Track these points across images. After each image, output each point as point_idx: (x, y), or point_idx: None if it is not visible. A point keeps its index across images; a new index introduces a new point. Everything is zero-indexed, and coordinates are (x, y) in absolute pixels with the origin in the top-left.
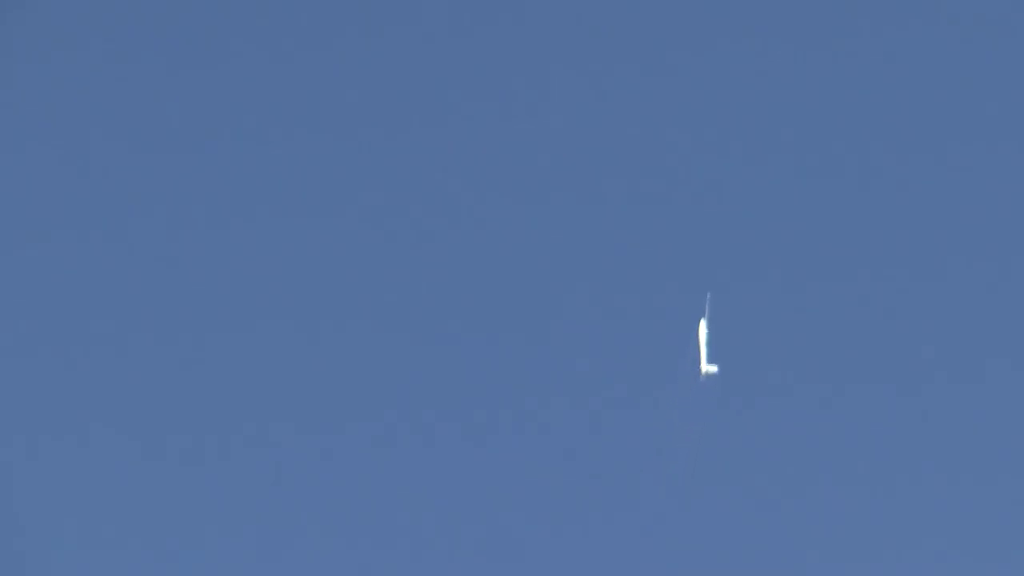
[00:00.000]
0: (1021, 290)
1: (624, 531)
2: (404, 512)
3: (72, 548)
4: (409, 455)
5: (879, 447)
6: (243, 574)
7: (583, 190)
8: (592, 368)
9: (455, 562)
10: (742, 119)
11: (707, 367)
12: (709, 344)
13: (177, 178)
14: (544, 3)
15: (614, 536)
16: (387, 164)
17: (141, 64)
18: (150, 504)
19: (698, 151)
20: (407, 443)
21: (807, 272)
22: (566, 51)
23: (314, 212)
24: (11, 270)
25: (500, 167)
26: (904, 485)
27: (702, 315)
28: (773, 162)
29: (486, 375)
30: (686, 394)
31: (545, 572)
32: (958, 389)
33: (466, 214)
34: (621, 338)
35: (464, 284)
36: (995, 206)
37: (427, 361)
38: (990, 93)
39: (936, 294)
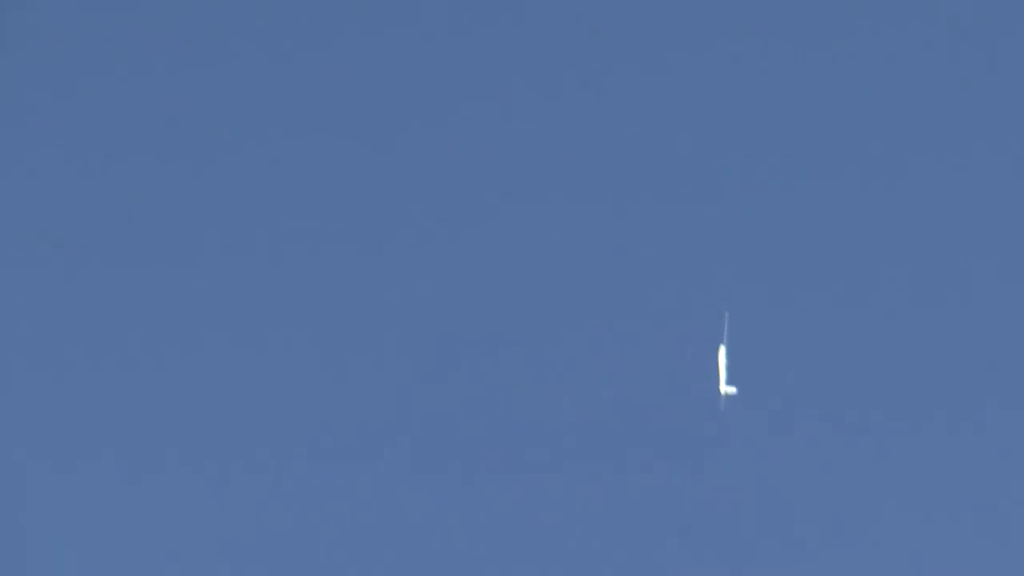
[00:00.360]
0: None
1: (627, 536)
2: (405, 517)
3: (71, 550)
4: (409, 458)
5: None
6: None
7: (586, 192)
8: (597, 376)
9: (456, 565)
10: (746, 120)
11: (726, 388)
12: (728, 367)
13: (177, 178)
14: (544, 3)
15: (617, 547)
16: (387, 164)
17: (141, 64)
18: (150, 508)
19: (704, 153)
20: (407, 445)
21: (817, 280)
22: (566, 51)
23: (314, 212)
24: (11, 270)
25: (501, 167)
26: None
27: (718, 331)
28: (784, 166)
29: (488, 377)
30: (698, 410)
31: None
32: (981, 416)
33: (467, 215)
34: (627, 343)
35: (466, 288)
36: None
37: (428, 364)
38: (990, 93)
39: (947, 302)
